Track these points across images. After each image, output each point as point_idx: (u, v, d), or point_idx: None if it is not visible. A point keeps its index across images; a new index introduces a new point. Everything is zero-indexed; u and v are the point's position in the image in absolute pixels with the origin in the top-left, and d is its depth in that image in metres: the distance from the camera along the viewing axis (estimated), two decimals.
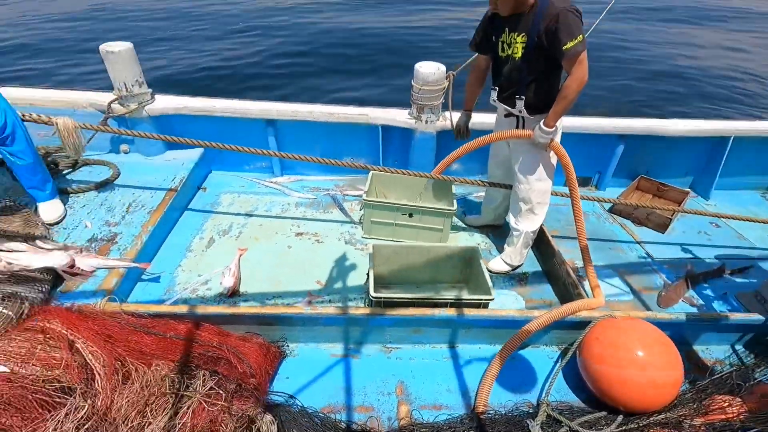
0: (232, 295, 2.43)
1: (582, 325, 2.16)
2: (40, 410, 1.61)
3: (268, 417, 1.78)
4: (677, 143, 3.61)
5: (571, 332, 2.24)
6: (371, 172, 2.97)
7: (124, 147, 3.33)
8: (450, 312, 2.09)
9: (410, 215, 2.87)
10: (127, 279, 2.36)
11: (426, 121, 3.28)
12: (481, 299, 2.13)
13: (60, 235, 2.55)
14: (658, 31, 11.15)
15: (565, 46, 1.97)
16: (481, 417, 1.87)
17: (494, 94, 2.44)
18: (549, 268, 2.79)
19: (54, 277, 2.20)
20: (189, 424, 1.69)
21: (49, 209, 2.60)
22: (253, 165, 3.65)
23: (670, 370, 1.78)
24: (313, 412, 1.89)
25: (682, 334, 2.29)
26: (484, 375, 2.01)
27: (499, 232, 3.19)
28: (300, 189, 3.52)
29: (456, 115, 2.95)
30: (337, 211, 3.29)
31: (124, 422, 1.68)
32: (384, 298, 2.10)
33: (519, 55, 2.18)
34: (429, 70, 3.04)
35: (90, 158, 3.18)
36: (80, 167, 3.13)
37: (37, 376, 1.70)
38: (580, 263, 2.74)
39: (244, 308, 2.05)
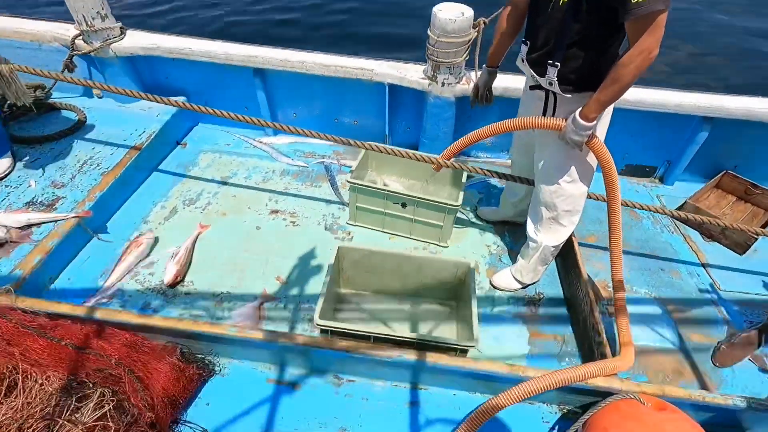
0: (173, 285, 2.07)
1: (593, 391, 1.61)
2: None
3: None
4: None
5: (575, 394, 1.70)
6: (363, 150, 2.39)
7: (96, 91, 2.95)
8: (413, 357, 1.59)
9: (403, 205, 2.31)
10: (57, 255, 2.05)
11: (443, 83, 2.58)
12: (459, 345, 1.61)
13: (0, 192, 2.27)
14: None
15: None
16: None
17: (523, 51, 1.72)
18: (572, 293, 2.17)
19: None
20: None
21: None
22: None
23: None
24: None
25: (736, 419, 1.67)
26: None
27: (518, 233, 2.56)
28: (292, 153, 3.02)
29: (472, 86, 2.26)
30: (326, 185, 2.78)
31: None
32: (331, 327, 1.64)
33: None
34: (449, 14, 2.31)
35: (58, 101, 2.83)
36: (46, 111, 2.80)
37: None
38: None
39: (157, 319, 1.67)
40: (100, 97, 2.96)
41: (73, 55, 2.67)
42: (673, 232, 2.67)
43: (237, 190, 2.67)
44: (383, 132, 3.00)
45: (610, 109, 1.71)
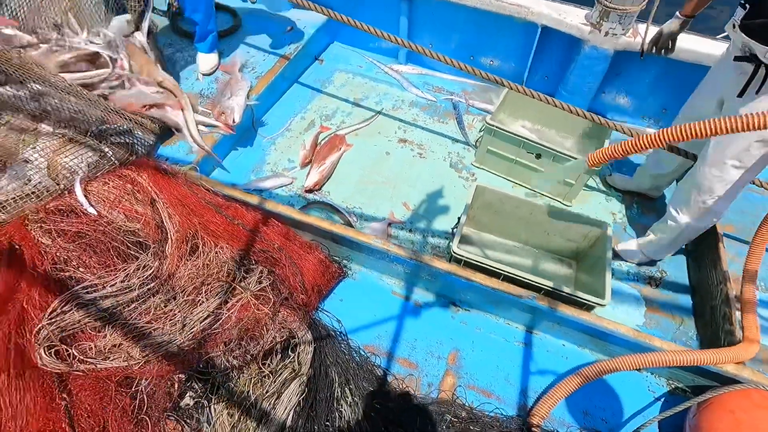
0: (310, 191, 2.27)
1: (713, 375, 1.61)
2: (115, 258, 1.73)
3: (308, 337, 1.71)
4: None
5: (691, 374, 1.71)
6: (506, 90, 2.33)
7: None
8: (544, 303, 1.67)
9: (538, 156, 2.28)
10: (221, 146, 2.31)
11: (606, 32, 2.38)
12: (588, 301, 1.65)
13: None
14: None
15: None
16: (533, 430, 1.57)
17: (738, 15, 1.53)
18: (700, 279, 2.08)
19: (162, 128, 2.23)
20: (234, 317, 1.69)
21: (205, 60, 2.59)
22: (378, 44, 3.17)
23: None
24: (355, 347, 1.77)
25: None
26: (556, 385, 1.65)
27: (648, 206, 2.45)
28: (421, 85, 3.01)
29: (656, 31, 2.07)
30: (453, 123, 2.78)
31: (182, 293, 1.74)
32: (466, 258, 1.74)
33: None
34: None
35: (218, 2, 3.00)
36: None
37: (119, 225, 1.79)
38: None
39: (312, 218, 1.87)
40: (254, 2, 3.09)
41: None
42: None
43: (368, 114, 2.76)
44: (521, 77, 2.89)
45: None
